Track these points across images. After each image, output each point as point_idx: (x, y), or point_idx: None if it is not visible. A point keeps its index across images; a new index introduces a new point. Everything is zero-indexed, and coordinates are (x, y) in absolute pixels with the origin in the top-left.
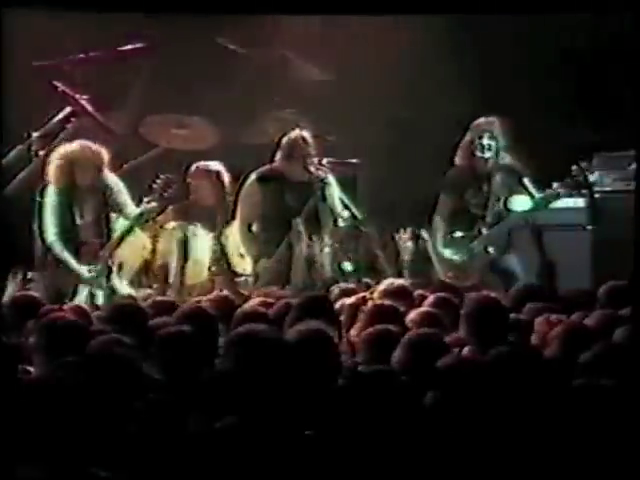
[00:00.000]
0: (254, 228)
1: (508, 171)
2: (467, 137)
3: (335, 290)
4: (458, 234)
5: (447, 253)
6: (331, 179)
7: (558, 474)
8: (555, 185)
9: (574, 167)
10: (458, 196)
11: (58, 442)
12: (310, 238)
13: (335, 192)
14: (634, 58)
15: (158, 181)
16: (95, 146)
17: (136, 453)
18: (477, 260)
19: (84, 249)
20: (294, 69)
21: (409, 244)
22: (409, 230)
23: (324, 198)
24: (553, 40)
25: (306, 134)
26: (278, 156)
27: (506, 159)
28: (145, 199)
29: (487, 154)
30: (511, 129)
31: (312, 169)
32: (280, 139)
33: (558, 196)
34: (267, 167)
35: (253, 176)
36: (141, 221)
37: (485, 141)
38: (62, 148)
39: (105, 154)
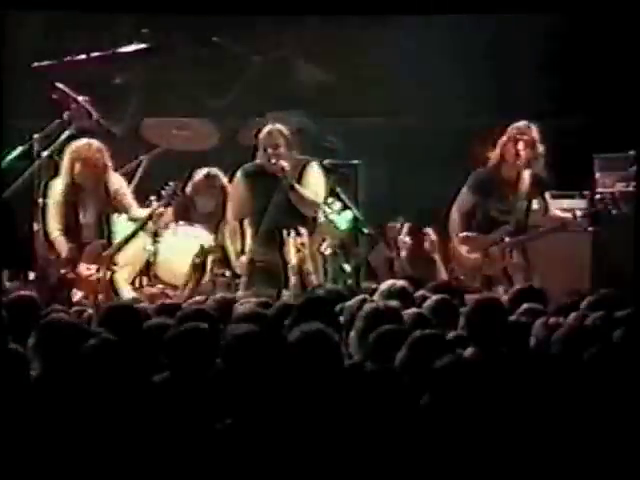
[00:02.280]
0: (246, 224)
1: (536, 181)
2: (503, 139)
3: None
4: (473, 234)
5: (463, 250)
6: (312, 167)
7: (555, 474)
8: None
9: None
10: (481, 197)
11: (55, 443)
12: (289, 233)
13: (311, 178)
14: (634, 58)
15: (167, 188)
16: (100, 145)
17: (133, 454)
18: (494, 266)
19: (87, 249)
20: (295, 70)
21: (407, 239)
22: (406, 226)
23: (292, 187)
24: (553, 41)
25: (272, 127)
26: (259, 152)
27: (538, 167)
28: (154, 204)
29: (519, 161)
30: (547, 137)
31: (273, 160)
32: (256, 135)
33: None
34: (250, 163)
35: (238, 173)
36: (148, 225)
37: (520, 147)
38: (70, 145)
39: (109, 154)
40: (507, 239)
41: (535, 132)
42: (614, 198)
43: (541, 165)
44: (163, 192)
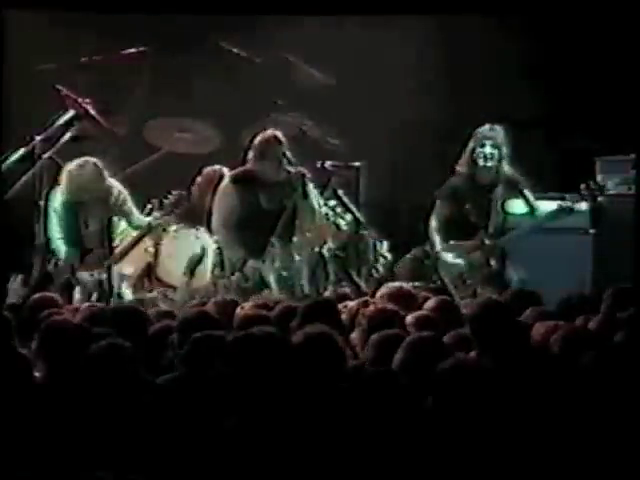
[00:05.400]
0: (232, 230)
1: (509, 182)
2: (470, 145)
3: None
4: (455, 242)
5: (449, 257)
6: (307, 179)
7: (556, 476)
8: (567, 197)
9: (591, 183)
10: (457, 205)
11: (59, 444)
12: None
13: (311, 191)
14: (633, 60)
15: (170, 197)
16: (95, 161)
17: (136, 455)
18: (478, 271)
19: (89, 257)
20: (297, 72)
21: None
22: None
23: (305, 195)
24: (551, 44)
25: (279, 134)
26: (250, 157)
27: (508, 169)
28: (156, 213)
29: (489, 163)
30: (514, 138)
31: (291, 168)
32: (251, 140)
33: (571, 211)
34: (240, 169)
35: (227, 178)
36: (150, 233)
37: (487, 150)
38: (65, 167)
39: (105, 168)
40: (487, 242)
41: (500, 133)
42: (589, 188)
43: (509, 165)
44: (165, 201)
